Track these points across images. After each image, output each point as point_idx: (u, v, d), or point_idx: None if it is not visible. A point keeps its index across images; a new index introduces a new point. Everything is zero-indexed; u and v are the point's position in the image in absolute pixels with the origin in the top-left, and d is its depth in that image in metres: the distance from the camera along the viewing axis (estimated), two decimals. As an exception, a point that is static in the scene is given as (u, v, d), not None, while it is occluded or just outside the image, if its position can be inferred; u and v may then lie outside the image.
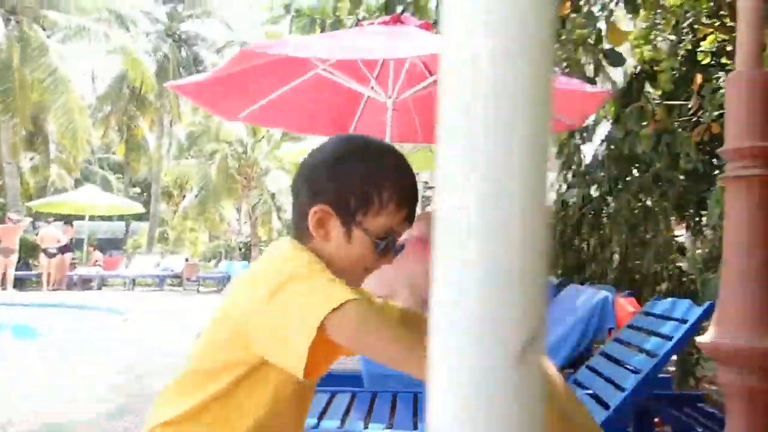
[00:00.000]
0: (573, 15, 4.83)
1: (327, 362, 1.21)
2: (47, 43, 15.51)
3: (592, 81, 5.82)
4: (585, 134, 7.06)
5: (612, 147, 6.06)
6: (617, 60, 4.21)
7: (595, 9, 4.71)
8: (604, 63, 4.55)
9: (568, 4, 4.35)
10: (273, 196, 14.97)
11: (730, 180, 2.00)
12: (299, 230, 1.18)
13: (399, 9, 5.48)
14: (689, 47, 7.47)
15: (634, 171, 5.24)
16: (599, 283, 5.31)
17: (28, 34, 15.40)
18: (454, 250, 0.40)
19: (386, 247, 1.16)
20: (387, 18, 3.87)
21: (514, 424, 0.39)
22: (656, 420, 2.89)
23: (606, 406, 2.28)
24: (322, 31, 5.96)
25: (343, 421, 2.27)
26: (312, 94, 4.63)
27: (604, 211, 5.87)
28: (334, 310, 0.96)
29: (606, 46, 4.54)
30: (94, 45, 16.85)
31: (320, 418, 2.30)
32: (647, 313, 2.71)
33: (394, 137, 4.36)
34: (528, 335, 0.38)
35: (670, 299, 2.62)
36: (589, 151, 7.03)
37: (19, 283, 14.07)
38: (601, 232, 6.08)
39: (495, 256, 0.39)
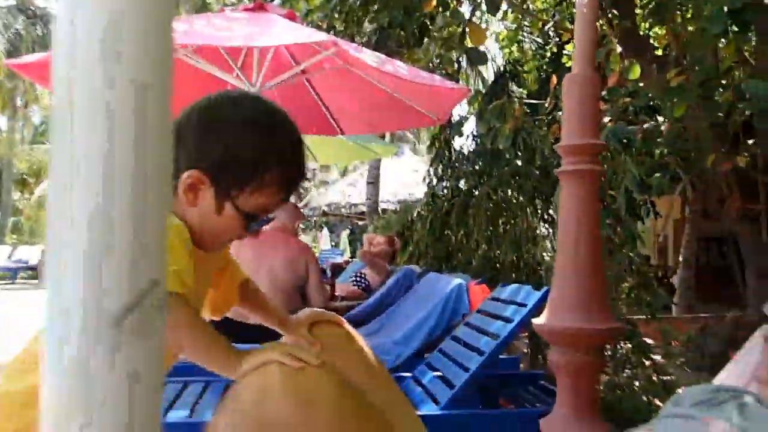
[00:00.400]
0: (441, 12, 5.00)
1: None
2: None
3: (457, 78, 6.05)
4: (458, 130, 7.33)
5: (478, 142, 6.35)
6: (478, 59, 4.40)
7: (464, 8, 4.90)
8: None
9: (434, 1, 4.48)
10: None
11: (564, 174, 2.16)
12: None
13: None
14: (554, 50, 7.96)
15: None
16: (465, 272, 5.55)
17: None
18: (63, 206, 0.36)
19: (255, 224, 1.12)
20: (250, 5, 3.81)
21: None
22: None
23: (451, 386, 2.40)
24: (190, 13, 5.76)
25: (192, 410, 2.24)
26: (174, 79, 4.47)
27: (470, 204, 6.13)
28: None
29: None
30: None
31: (169, 408, 2.25)
32: (494, 299, 2.87)
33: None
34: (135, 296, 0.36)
35: (515, 285, 2.78)
36: (460, 146, 7.32)
37: None
38: (468, 223, 6.34)
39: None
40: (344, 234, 20.82)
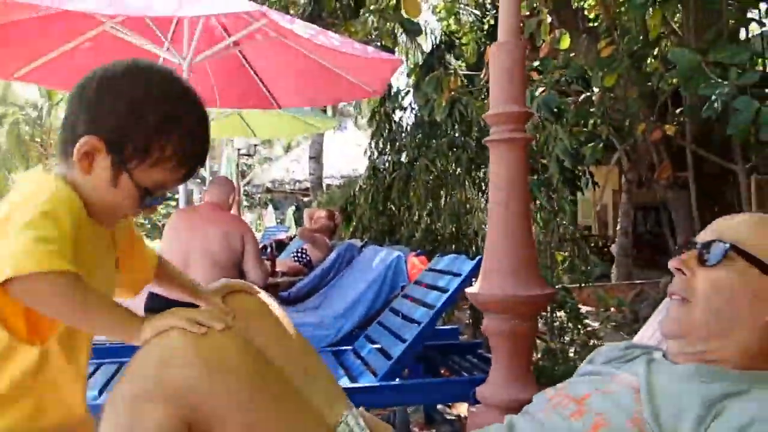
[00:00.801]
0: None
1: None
2: None
3: (394, 51, 6.01)
4: (395, 102, 7.30)
5: (417, 115, 6.34)
6: (413, 30, 4.37)
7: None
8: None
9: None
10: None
11: (492, 143, 2.16)
12: (63, 149, 1.04)
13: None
14: (492, 22, 7.98)
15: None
16: (408, 245, 5.58)
17: None
18: None
19: (153, 202, 1.07)
20: (178, -27, 3.67)
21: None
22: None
23: (389, 357, 2.41)
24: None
25: (101, 392, 2.20)
26: (100, 53, 4.29)
27: (411, 177, 6.15)
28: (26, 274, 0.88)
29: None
30: None
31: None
32: (431, 269, 2.89)
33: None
34: None
35: (451, 256, 2.81)
36: (399, 119, 7.30)
37: None
38: (410, 196, 6.36)
39: None
40: (290, 211, 20.62)
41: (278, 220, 20.10)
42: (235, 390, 0.90)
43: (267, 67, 4.87)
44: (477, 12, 8.45)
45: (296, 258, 4.86)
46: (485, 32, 8.03)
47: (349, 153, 16.28)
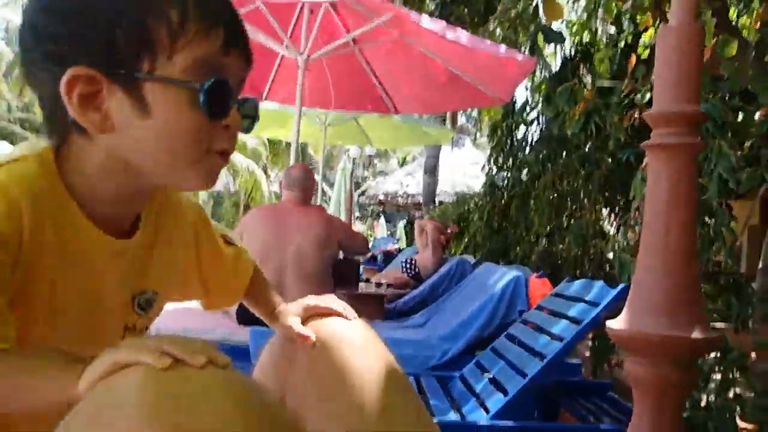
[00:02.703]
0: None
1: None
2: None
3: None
4: (519, 116, 6.92)
5: (543, 129, 5.95)
6: (555, 37, 4.00)
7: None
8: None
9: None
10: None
11: (652, 149, 1.78)
12: (54, 131, 0.72)
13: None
14: (629, 39, 7.40)
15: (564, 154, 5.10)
16: (523, 265, 5.18)
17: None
18: None
19: (215, 96, 0.69)
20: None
21: None
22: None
23: (505, 392, 2.07)
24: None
25: None
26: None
27: (532, 194, 5.75)
28: None
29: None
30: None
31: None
32: (558, 295, 2.52)
33: (306, 101, 4.06)
34: None
35: (583, 280, 2.43)
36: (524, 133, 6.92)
37: None
38: (529, 215, 5.97)
39: None
40: (401, 224, 20.61)
41: (389, 232, 20.11)
42: None
43: (386, 69, 4.68)
44: (613, 28, 7.92)
45: (404, 269, 4.61)
46: (621, 49, 7.48)
47: (464, 170, 16.00)
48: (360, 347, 0.89)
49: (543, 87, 4.91)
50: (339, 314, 0.95)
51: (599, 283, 2.25)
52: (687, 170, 1.73)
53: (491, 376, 2.31)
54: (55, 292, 0.70)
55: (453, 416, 2.08)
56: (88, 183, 0.72)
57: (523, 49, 6.07)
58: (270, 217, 3.33)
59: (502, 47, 3.47)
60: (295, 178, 3.34)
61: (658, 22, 4.90)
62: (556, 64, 12.84)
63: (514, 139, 6.75)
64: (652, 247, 1.73)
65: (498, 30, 5.38)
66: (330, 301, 0.97)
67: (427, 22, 3.06)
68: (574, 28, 9.10)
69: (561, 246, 4.78)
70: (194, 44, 0.68)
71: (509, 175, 6.63)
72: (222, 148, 0.73)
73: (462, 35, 3.22)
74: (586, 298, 2.22)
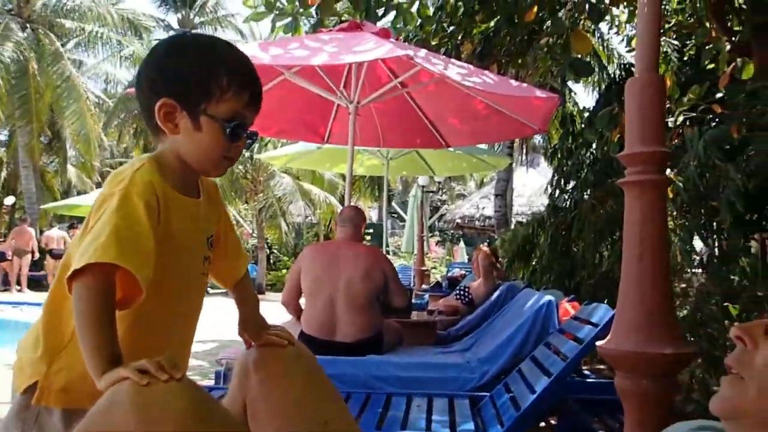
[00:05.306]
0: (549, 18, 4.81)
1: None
2: (61, 51, 15.83)
3: (558, 91, 5.77)
4: (575, 139, 7.02)
5: (592, 152, 6.04)
6: (583, 70, 4.17)
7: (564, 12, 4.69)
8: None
9: (536, 8, 4.34)
10: (279, 199, 15.07)
11: (627, 185, 2.00)
12: (151, 128, 1.22)
13: (380, 12, 5.49)
14: (692, 52, 7.33)
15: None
16: (592, 288, 5.24)
17: (43, 42, 15.74)
18: None
19: (235, 132, 1.20)
20: (345, 24, 3.92)
21: None
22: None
23: (518, 408, 2.30)
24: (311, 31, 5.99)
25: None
26: (284, 97, 4.71)
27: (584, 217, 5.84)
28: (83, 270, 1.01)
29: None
30: (108, 51, 17.20)
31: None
32: (576, 318, 2.71)
33: (358, 141, 4.42)
34: None
35: (595, 304, 2.62)
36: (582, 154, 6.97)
37: (35, 284, 14.30)
38: (587, 237, 6.03)
39: None
40: (480, 247, 20.45)
41: (468, 256, 20.15)
42: None
43: (433, 107, 4.99)
44: (676, 42, 7.83)
45: (458, 296, 4.84)
46: (684, 62, 7.40)
47: (540, 190, 15.92)
48: (299, 367, 1.28)
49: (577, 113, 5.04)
50: (280, 344, 1.31)
51: (603, 306, 2.44)
52: (657, 203, 1.94)
53: (512, 395, 2.54)
54: (170, 238, 1.17)
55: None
56: (168, 167, 1.21)
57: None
58: (322, 252, 3.68)
59: (524, 86, 3.70)
60: (346, 217, 3.69)
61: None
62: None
63: (575, 159, 6.82)
64: (627, 273, 1.95)
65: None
66: (275, 333, 1.35)
67: (451, 70, 3.35)
68: (633, 44, 9.02)
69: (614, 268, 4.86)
70: (232, 100, 1.19)
71: (569, 196, 6.69)
72: (231, 157, 1.24)
73: (487, 78, 3.47)
74: (592, 320, 2.42)
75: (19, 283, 13.70)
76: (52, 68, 15.40)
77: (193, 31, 1.40)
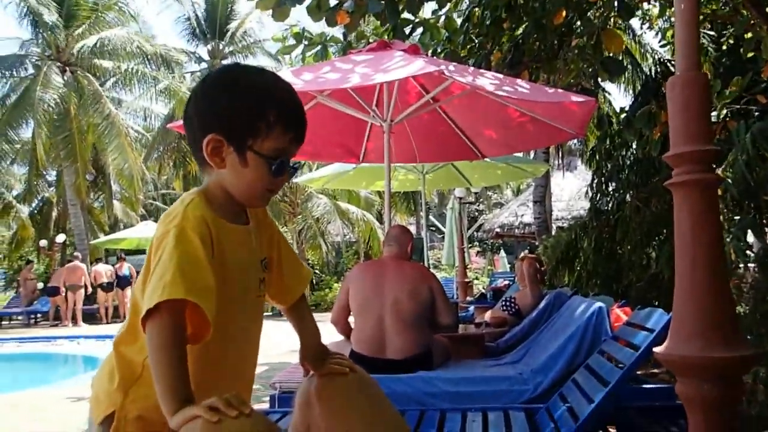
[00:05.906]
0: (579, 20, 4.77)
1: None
2: (100, 90, 16.30)
3: (592, 92, 5.69)
4: (613, 140, 6.90)
5: (633, 152, 5.93)
6: (615, 69, 4.12)
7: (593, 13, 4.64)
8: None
9: (564, 11, 4.30)
10: (317, 220, 15.20)
11: (675, 186, 1.96)
12: (198, 160, 1.26)
13: (407, 30, 5.52)
14: (731, 41, 7.14)
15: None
16: (641, 291, 5.11)
17: (82, 84, 16.23)
18: None
19: (280, 167, 1.23)
20: (374, 44, 3.95)
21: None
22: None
23: (576, 419, 2.25)
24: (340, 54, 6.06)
25: None
26: (318, 120, 4.76)
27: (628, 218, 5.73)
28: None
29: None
30: (144, 88, 17.62)
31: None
32: (629, 324, 2.65)
33: (393, 159, 4.43)
34: None
35: (648, 309, 2.56)
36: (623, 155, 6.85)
37: (89, 317, 14.64)
38: (633, 239, 5.91)
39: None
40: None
41: (510, 265, 19.89)
42: None
43: (466, 119, 4.97)
44: (712, 33, 7.65)
45: (504, 307, 4.79)
46: (722, 52, 7.21)
47: (579, 193, 15.70)
48: (362, 396, 1.28)
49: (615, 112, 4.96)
50: (342, 371, 1.32)
51: (658, 311, 2.38)
52: (706, 202, 1.90)
53: (569, 405, 2.49)
54: (226, 267, 1.19)
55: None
56: (216, 199, 1.24)
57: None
58: (370, 271, 3.69)
59: (560, 92, 3.66)
60: (393, 236, 3.72)
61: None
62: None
63: (615, 161, 6.70)
64: (681, 276, 1.90)
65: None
66: (339, 361, 1.35)
67: (482, 81, 3.34)
68: (668, 37, 8.84)
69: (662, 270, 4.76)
70: (278, 138, 1.22)
71: (612, 199, 6.57)
72: (273, 189, 1.27)
73: (520, 87, 3.45)
74: (647, 326, 2.36)
75: (74, 317, 14.06)
76: (93, 108, 15.86)
77: (242, 65, 1.41)
